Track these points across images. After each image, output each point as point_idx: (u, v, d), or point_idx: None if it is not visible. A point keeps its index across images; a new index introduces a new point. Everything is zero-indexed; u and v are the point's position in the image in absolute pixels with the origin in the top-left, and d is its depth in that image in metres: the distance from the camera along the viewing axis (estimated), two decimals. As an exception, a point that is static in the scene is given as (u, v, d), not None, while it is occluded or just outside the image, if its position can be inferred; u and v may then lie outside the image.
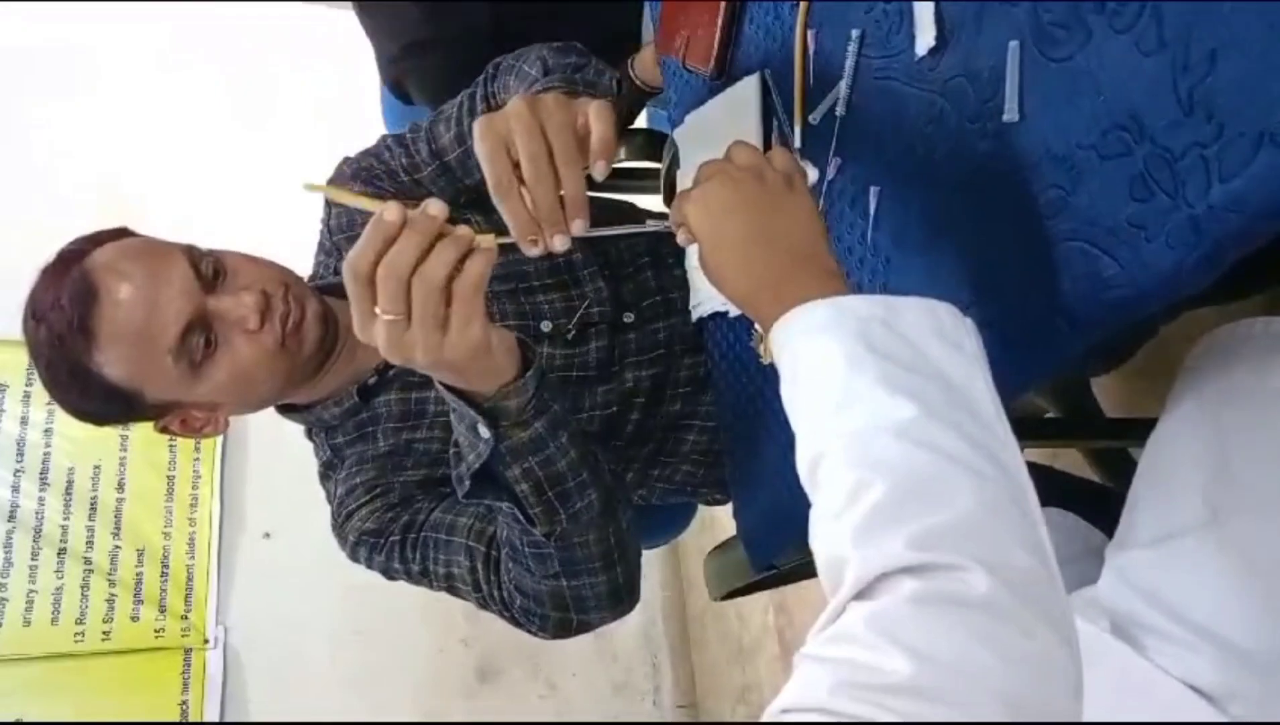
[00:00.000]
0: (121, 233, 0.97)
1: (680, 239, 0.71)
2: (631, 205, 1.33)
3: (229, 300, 0.92)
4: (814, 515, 0.54)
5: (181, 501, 2.52)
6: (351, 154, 1.17)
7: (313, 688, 2.42)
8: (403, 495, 1.01)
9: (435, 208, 0.65)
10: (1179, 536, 0.61)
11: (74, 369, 0.91)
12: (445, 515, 0.97)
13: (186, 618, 2.44)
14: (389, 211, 0.63)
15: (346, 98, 2.07)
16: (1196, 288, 0.54)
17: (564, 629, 0.93)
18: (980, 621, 0.44)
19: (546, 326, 1.07)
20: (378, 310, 0.64)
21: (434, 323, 0.65)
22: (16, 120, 2.60)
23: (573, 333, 1.07)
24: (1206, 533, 0.61)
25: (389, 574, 1.01)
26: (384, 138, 1.16)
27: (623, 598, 0.93)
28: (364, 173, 1.13)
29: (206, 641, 2.43)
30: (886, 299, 0.58)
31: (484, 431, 0.77)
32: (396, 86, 1.46)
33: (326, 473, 1.09)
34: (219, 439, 2.58)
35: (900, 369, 0.54)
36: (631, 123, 1.70)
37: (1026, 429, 1.08)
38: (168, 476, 2.53)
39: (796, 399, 0.59)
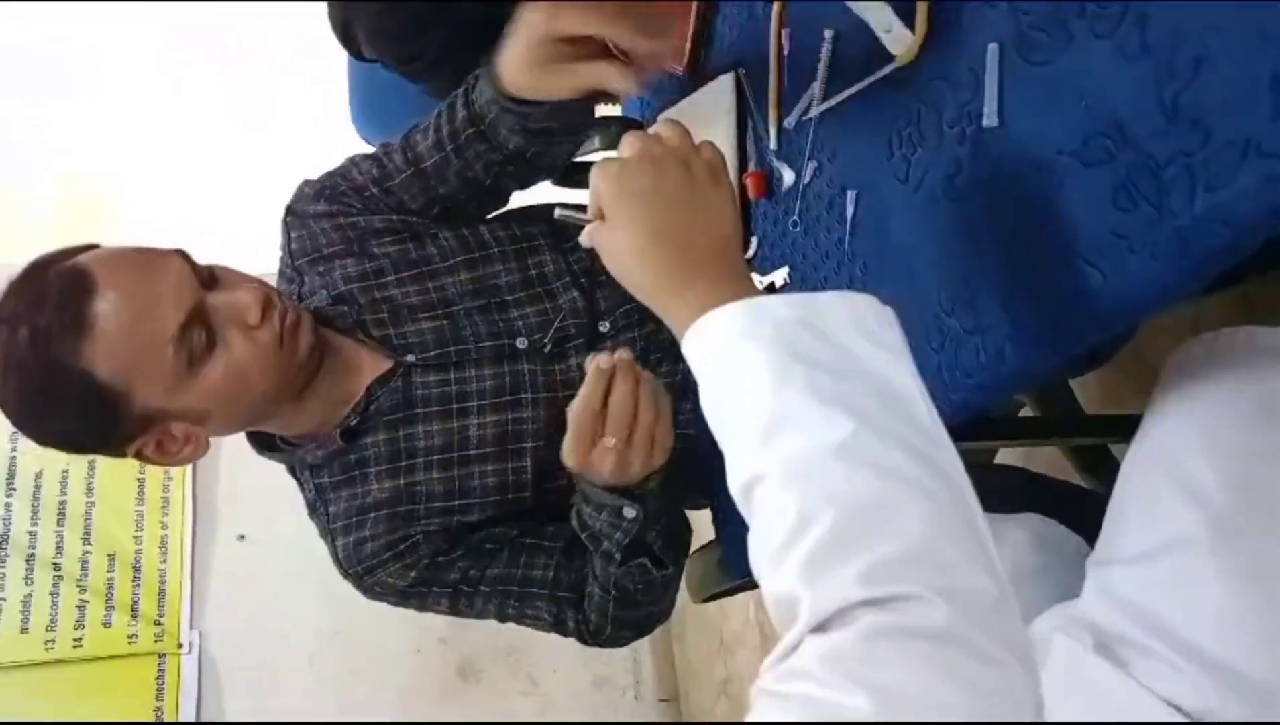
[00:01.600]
0: (92, 247, 0.92)
1: (583, 236, 0.67)
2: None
3: (227, 296, 0.90)
4: (755, 545, 0.52)
5: (153, 505, 2.48)
6: (313, 176, 1.14)
7: (291, 691, 2.38)
8: (431, 549, 0.99)
9: (627, 354, 0.84)
10: (1171, 553, 0.60)
11: (51, 374, 0.85)
12: (512, 571, 1.02)
13: (160, 623, 2.41)
14: (604, 362, 0.82)
15: (345, 99, 2.03)
16: (1183, 300, 0.53)
17: (638, 638, 1.06)
18: (940, 653, 0.43)
19: (521, 343, 1.04)
20: (606, 441, 0.83)
21: (649, 445, 0.85)
22: (13, 121, 2.56)
23: (549, 347, 1.04)
24: (1206, 551, 0.59)
25: (424, 610, 1.06)
26: (352, 157, 1.13)
27: (672, 603, 1.07)
28: (327, 191, 1.10)
29: (181, 646, 2.39)
30: (803, 297, 0.55)
31: (629, 512, 0.90)
32: (344, 34, 1.36)
33: (313, 511, 1.06)
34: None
35: (828, 376, 0.52)
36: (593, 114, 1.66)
37: (1004, 427, 1.08)
38: (138, 480, 2.48)
39: (720, 414, 0.56)
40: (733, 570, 1.00)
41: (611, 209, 0.62)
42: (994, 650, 0.44)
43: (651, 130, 0.67)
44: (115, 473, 2.45)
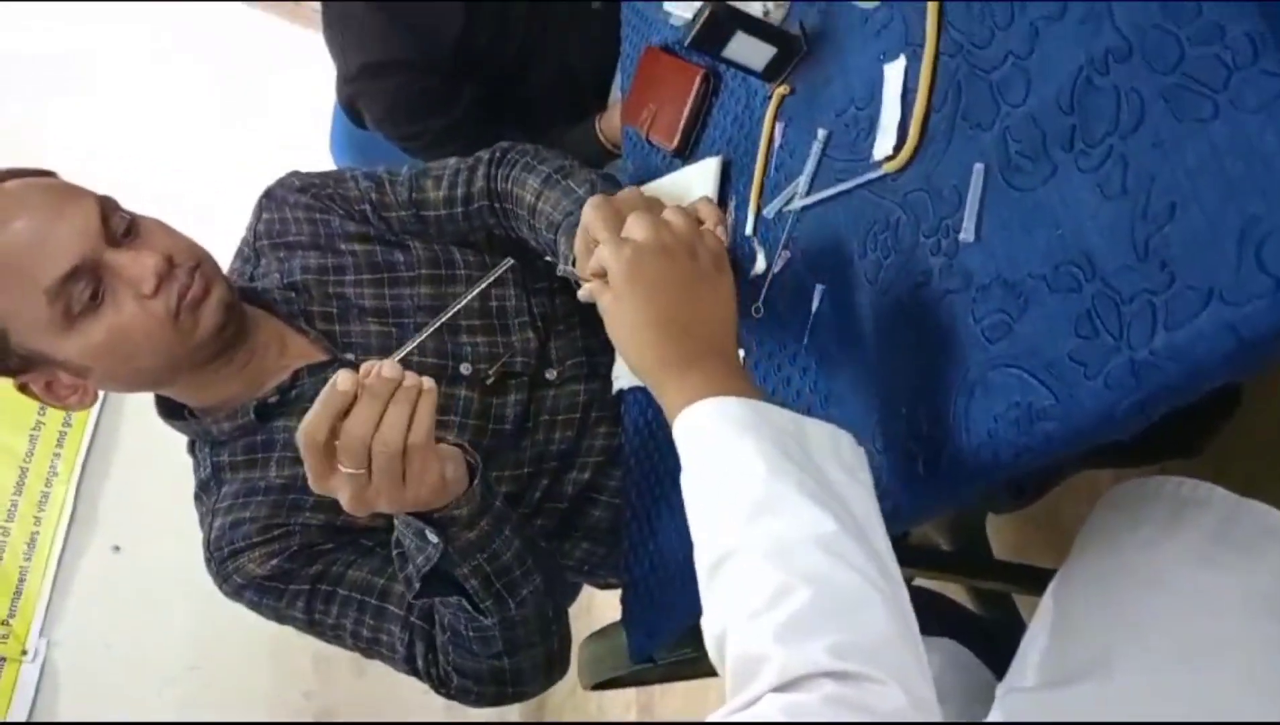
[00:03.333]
0: (47, 174, 0.92)
1: (583, 292, 0.70)
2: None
3: (128, 256, 0.87)
4: (720, 611, 0.54)
5: (30, 496, 2.35)
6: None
7: (132, 717, 2.23)
8: (304, 541, 0.95)
9: (390, 371, 0.71)
10: (1071, 683, 0.61)
11: None
12: (374, 579, 0.94)
13: (8, 623, 2.25)
14: (342, 382, 0.69)
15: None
16: (1124, 433, 0.54)
17: (500, 700, 0.95)
18: None
19: (465, 369, 1.04)
20: (341, 467, 0.71)
21: (395, 479, 0.72)
22: (12, 120, 2.51)
23: (491, 380, 1.04)
24: (1097, 683, 0.60)
25: (280, 619, 0.98)
26: (350, 168, 1.14)
27: (555, 665, 0.96)
28: (314, 189, 1.10)
29: (24, 653, 2.24)
30: (796, 417, 0.61)
31: (432, 537, 0.80)
32: (350, 106, 1.44)
33: (202, 492, 1.01)
34: (86, 433, 2.42)
35: (814, 483, 0.56)
36: None
37: (919, 557, 1.08)
38: (21, 467, 2.35)
39: (703, 491, 0.60)
40: (634, 648, 0.97)
41: (621, 287, 0.66)
42: None
43: (664, 215, 0.70)
44: (-1, 454, 2.32)
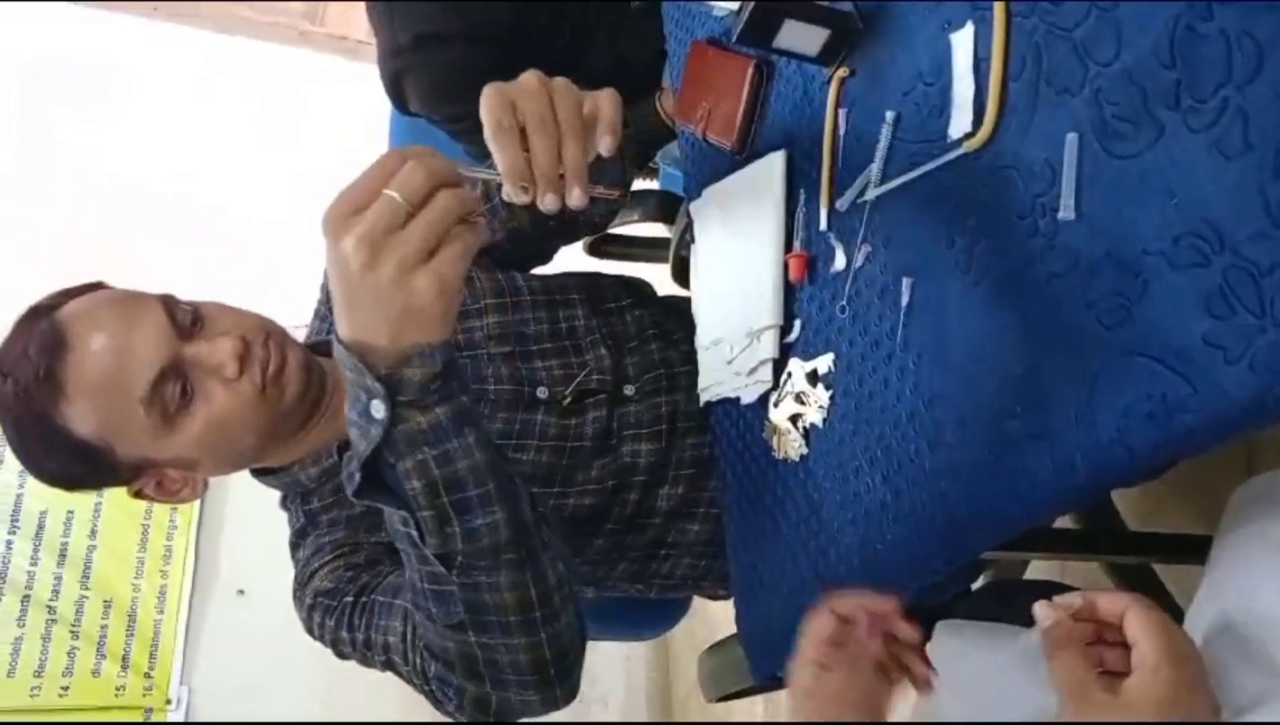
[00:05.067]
0: (96, 286, 0.93)
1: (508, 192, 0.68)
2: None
3: (205, 346, 0.88)
4: None
5: (155, 553, 2.43)
6: None
7: (277, 758, 2.29)
8: (369, 557, 0.94)
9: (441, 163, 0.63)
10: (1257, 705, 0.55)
11: (41, 425, 0.86)
12: (398, 578, 0.86)
13: (150, 675, 2.34)
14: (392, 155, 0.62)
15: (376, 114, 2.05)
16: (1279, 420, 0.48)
17: (481, 708, 0.80)
18: None
19: (542, 393, 1.02)
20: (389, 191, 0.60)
21: (426, 236, 0.61)
22: (50, 129, 2.59)
23: (568, 401, 1.02)
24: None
25: (339, 648, 0.91)
26: None
27: (551, 678, 0.79)
28: None
29: (169, 702, 2.32)
30: None
31: (378, 411, 0.66)
32: (394, 85, 1.35)
33: (298, 541, 1.02)
34: (198, 486, 2.50)
35: None
36: (647, 163, 1.65)
37: (1040, 539, 1.02)
38: (142, 525, 2.44)
39: None
40: (755, 668, 0.93)
41: None
42: None
43: None
44: (120, 517, 2.41)
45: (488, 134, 0.68)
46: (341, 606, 0.89)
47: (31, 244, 2.39)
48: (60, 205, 2.53)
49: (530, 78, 0.70)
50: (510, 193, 0.69)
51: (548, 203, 0.68)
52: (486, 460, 0.71)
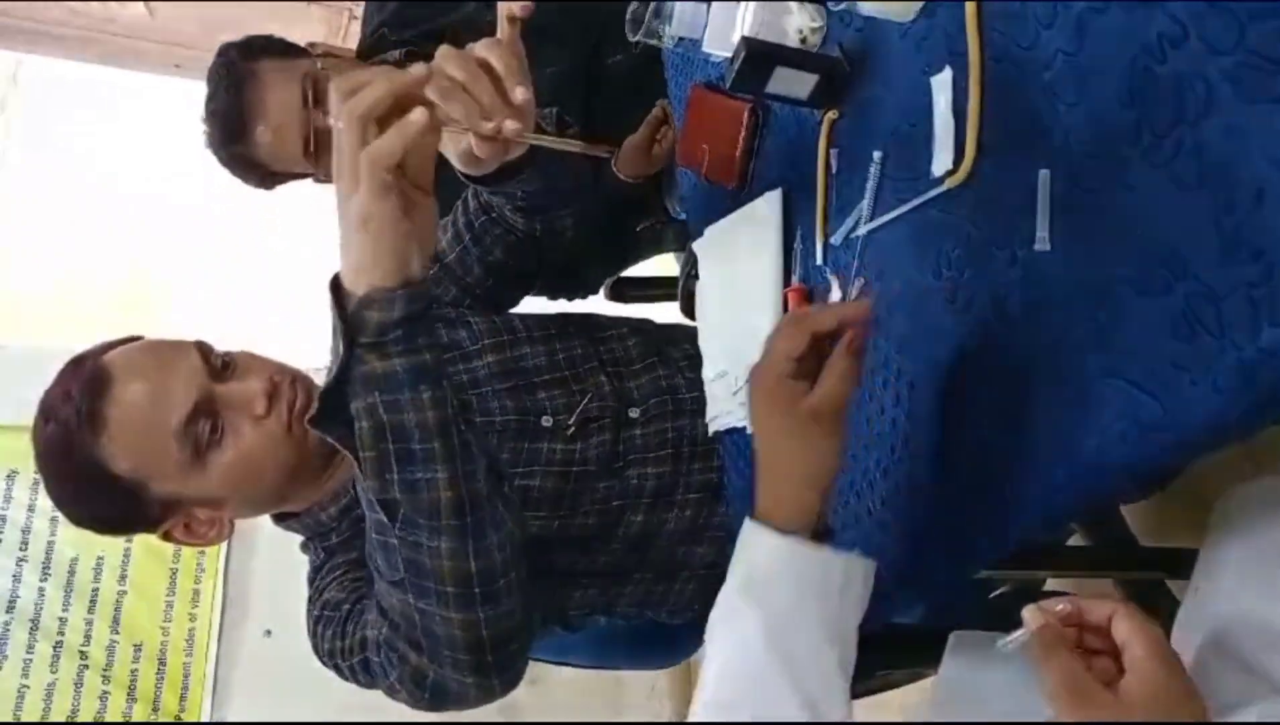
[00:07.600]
0: (135, 338, 0.99)
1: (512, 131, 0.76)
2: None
3: (236, 386, 0.94)
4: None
5: (183, 596, 2.47)
6: None
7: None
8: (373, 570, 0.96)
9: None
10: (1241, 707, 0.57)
11: (80, 464, 0.91)
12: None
13: (180, 718, 2.37)
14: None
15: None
16: (1246, 435, 0.51)
17: (418, 682, 0.82)
18: None
19: (547, 421, 1.06)
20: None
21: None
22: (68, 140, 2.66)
23: (573, 428, 1.06)
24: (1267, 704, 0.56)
25: (335, 661, 0.92)
26: None
27: (489, 663, 0.81)
28: None
29: (199, 743, 2.35)
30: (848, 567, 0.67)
31: (338, 347, 0.70)
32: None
33: (314, 576, 1.04)
34: (226, 529, 2.54)
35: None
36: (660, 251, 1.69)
37: (1053, 557, 1.04)
38: (170, 569, 2.48)
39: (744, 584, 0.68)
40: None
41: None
42: None
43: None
44: (149, 561, 2.45)
45: (437, 97, 0.72)
46: (340, 615, 0.93)
47: (32, 244, 2.42)
48: (81, 213, 2.57)
49: (444, 48, 0.75)
50: (478, 131, 0.76)
51: (508, 128, 0.75)
52: (438, 419, 0.73)
